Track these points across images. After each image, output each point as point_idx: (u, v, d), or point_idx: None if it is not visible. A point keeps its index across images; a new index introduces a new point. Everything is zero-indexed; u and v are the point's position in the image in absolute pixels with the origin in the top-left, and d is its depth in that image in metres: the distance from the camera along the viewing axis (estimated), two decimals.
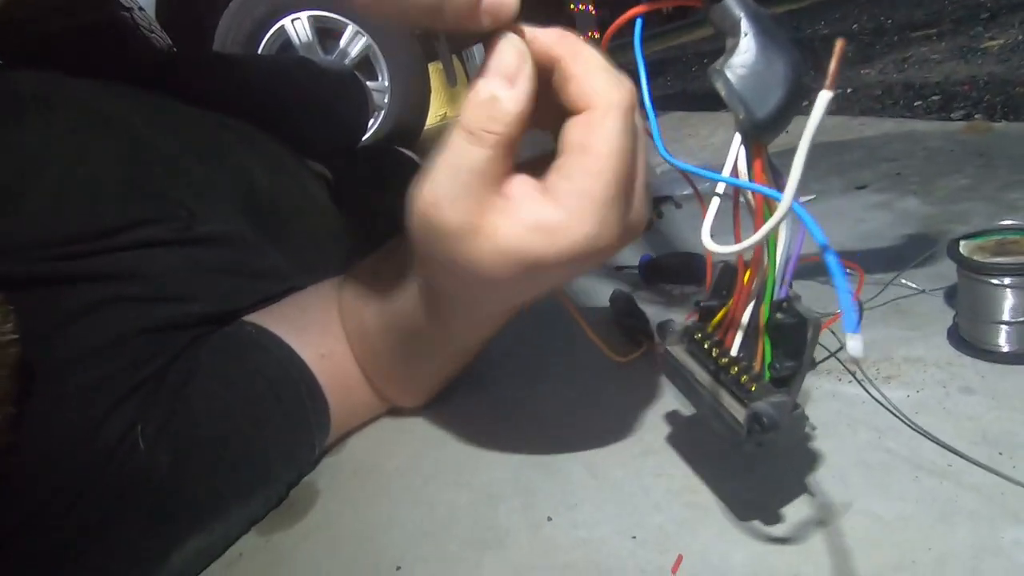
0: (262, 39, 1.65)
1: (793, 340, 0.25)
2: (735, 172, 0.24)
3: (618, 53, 0.26)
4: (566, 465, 0.37)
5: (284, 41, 1.67)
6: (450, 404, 0.47)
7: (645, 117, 0.25)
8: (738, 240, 0.28)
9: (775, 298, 0.25)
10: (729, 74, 0.22)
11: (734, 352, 0.27)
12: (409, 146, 1.88)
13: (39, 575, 0.31)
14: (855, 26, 2.25)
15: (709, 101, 1.45)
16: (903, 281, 0.43)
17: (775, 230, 0.24)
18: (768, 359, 0.26)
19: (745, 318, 0.27)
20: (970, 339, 0.36)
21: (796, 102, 0.22)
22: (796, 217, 0.27)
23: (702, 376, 0.28)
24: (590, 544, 0.31)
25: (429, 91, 1.94)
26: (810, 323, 0.24)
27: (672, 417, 0.39)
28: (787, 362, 0.25)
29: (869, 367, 0.38)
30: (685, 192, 0.79)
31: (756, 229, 0.25)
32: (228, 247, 0.45)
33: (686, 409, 0.39)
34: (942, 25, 1.69)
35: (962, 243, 0.36)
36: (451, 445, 0.42)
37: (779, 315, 0.25)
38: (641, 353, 0.46)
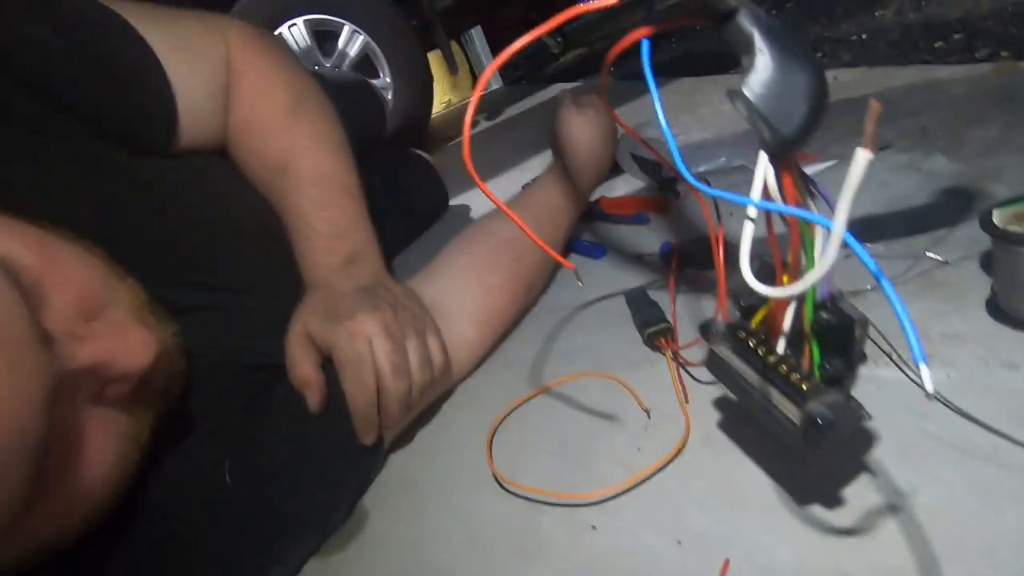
0: None
1: (840, 338, 0.24)
2: (765, 192, 0.23)
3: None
4: (605, 468, 0.38)
5: None
6: (485, 412, 0.48)
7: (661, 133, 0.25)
8: (777, 262, 0.27)
9: (817, 299, 0.25)
10: (748, 94, 0.21)
11: (780, 350, 0.27)
12: (417, 137, 1.88)
13: None
14: None
15: (719, 63, 1.40)
16: (928, 254, 0.42)
17: (811, 235, 0.24)
18: (817, 360, 0.26)
19: (788, 319, 0.27)
20: (1010, 311, 0.35)
21: (821, 113, 0.21)
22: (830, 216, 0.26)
23: (750, 375, 0.28)
24: (635, 552, 0.32)
25: (431, 81, 1.92)
26: (857, 323, 0.24)
27: (709, 413, 0.39)
28: (836, 360, 0.25)
29: (905, 347, 0.37)
30: (706, 167, 0.78)
31: (793, 247, 0.24)
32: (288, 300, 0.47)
33: (721, 405, 0.39)
34: None
35: (995, 212, 0.35)
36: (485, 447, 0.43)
37: (823, 315, 0.25)
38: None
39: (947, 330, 0.37)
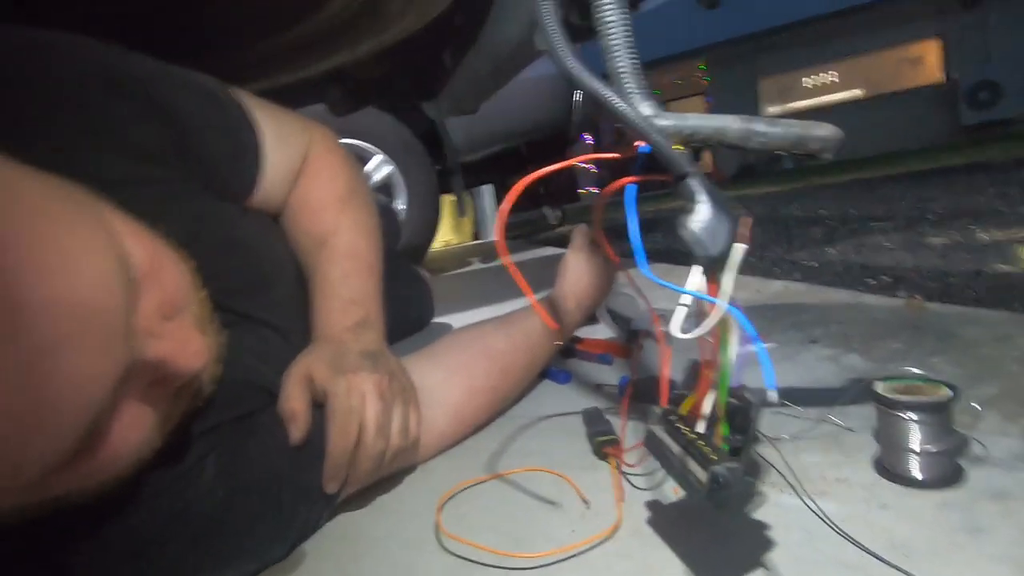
0: None
1: (743, 420, 0.32)
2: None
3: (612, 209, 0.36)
4: (541, 544, 0.42)
5: None
6: (438, 486, 0.51)
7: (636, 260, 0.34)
8: (700, 338, 0.36)
9: (729, 387, 0.33)
10: (692, 226, 0.31)
11: (700, 429, 0.34)
12: (417, 260, 2.02)
13: None
14: (823, 211, 2.56)
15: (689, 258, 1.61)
16: (832, 418, 0.51)
17: (728, 336, 0.33)
18: (725, 433, 0.33)
19: (707, 404, 0.34)
20: (889, 467, 0.43)
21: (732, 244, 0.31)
22: (740, 327, 0.36)
23: (675, 449, 0.35)
24: None
25: (439, 218, 2.13)
26: (754, 405, 0.32)
27: (640, 513, 0.44)
28: (738, 436, 0.32)
29: (807, 484, 0.44)
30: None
31: (714, 334, 0.33)
32: (294, 343, 0.53)
33: (653, 508, 0.44)
34: (896, 220, 1.95)
35: (878, 383, 0.44)
36: (433, 515, 0.46)
37: (732, 400, 0.33)
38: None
39: (839, 476, 0.44)
